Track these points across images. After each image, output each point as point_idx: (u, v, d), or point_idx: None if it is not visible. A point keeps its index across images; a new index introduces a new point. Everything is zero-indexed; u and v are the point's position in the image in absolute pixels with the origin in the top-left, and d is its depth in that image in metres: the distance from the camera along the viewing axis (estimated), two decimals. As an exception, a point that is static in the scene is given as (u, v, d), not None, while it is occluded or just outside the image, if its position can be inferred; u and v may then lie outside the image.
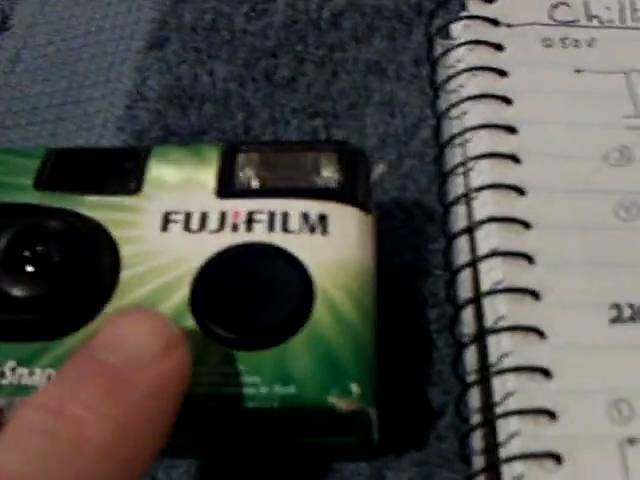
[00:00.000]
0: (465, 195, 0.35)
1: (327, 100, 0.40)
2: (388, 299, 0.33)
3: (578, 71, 0.38)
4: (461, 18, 0.40)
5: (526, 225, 0.34)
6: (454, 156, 0.37)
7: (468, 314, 0.33)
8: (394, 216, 0.37)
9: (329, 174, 0.32)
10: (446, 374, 0.33)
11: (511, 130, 0.37)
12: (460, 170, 0.36)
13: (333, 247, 0.30)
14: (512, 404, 0.31)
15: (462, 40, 0.40)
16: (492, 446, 0.31)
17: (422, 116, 0.40)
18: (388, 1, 0.43)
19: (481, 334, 0.32)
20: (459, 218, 0.36)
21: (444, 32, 0.40)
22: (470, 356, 0.33)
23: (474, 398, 0.32)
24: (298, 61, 0.41)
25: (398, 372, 0.33)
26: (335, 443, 0.30)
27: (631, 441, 0.30)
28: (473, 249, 0.34)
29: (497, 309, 0.32)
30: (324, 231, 0.31)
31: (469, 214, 0.35)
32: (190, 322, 0.28)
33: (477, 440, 0.31)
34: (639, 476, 0.30)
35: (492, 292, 0.33)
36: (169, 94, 0.41)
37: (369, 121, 0.39)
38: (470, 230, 0.35)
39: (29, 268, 0.29)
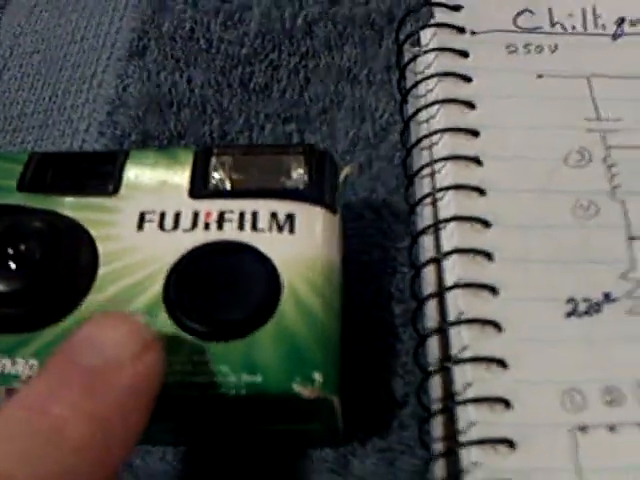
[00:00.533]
0: (430, 195, 0.37)
1: (300, 106, 0.42)
2: (356, 294, 0.35)
3: (540, 76, 0.40)
4: (428, 26, 0.42)
5: (486, 224, 0.36)
6: (421, 158, 0.39)
7: (431, 308, 0.35)
8: (363, 216, 0.39)
9: (297, 176, 0.34)
10: (410, 366, 0.35)
11: (474, 133, 0.38)
12: (426, 172, 0.38)
13: (299, 244, 0.33)
14: (470, 393, 0.33)
15: (429, 47, 0.41)
16: (451, 433, 0.33)
17: (391, 120, 0.42)
18: (360, 9, 0.45)
19: (442, 327, 0.34)
20: (424, 218, 0.38)
21: (413, 39, 0.42)
22: (432, 348, 0.35)
23: (435, 388, 0.34)
24: (272, 68, 0.43)
25: (364, 363, 0.36)
26: (300, 430, 0.32)
27: (582, 428, 0.32)
28: (438, 247, 0.36)
29: (458, 304, 0.35)
30: (291, 230, 0.33)
31: (434, 214, 0.37)
32: (163, 315, 0.31)
33: (437, 427, 0.33)
34: (589, 461, 0.31)
35: (453, 287, 0.35)
36: (148, 100, 0.43)
37: (340, 125, 0.42)
38: (434, 229, 0.37)
39: (12, 265, 0.31)
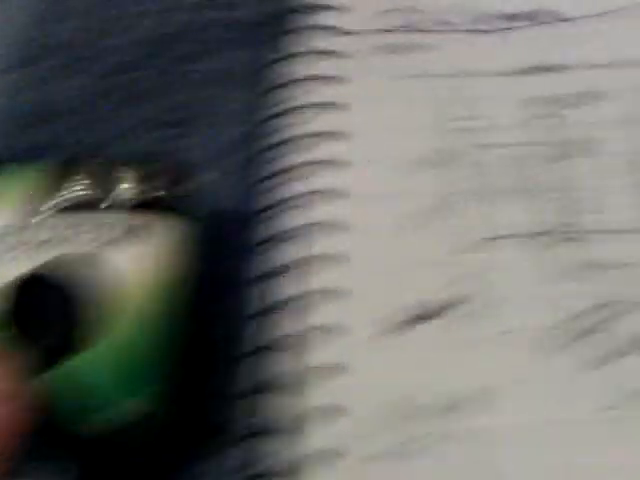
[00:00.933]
0: (286, 202, 0.38)
1: (175, 111, 0.43)
2: (204, 308, 0.36)
3: (412, 77, 0.41)
4: (297, 29, 0.42)
5: (343, 229, 0.37)
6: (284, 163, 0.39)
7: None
8: (214, 225, 0.40)
9: (150, 187, 0.35)
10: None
11: (339, 137, 0.39)
12: (287, 177, 0.39)
13: (150, 256, 0.33)
14: (310, 402, 0.34)
15: (297, 50, 0.42)
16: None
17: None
18: (236, 14, 0.45)
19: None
20: (282, 224, 0.38)
21: (282, 43, 0.42)
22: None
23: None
24: (148, 75, 0.44)
25: (198, 381, 0.36)
26: (132, 443, 0.33)
27: (413, 437, 0.33)
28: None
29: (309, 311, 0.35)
30: (144, 240, 0.33)
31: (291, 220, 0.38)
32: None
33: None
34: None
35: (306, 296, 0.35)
36: (36, 110, 0.44)
37: (208, 132, 0.42)
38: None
39: None
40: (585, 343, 0.34)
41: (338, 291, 0.35)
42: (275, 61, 0.42)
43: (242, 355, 0.35)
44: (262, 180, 0.39)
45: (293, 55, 0.42)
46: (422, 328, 0.35)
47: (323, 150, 0.39)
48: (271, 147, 0.40)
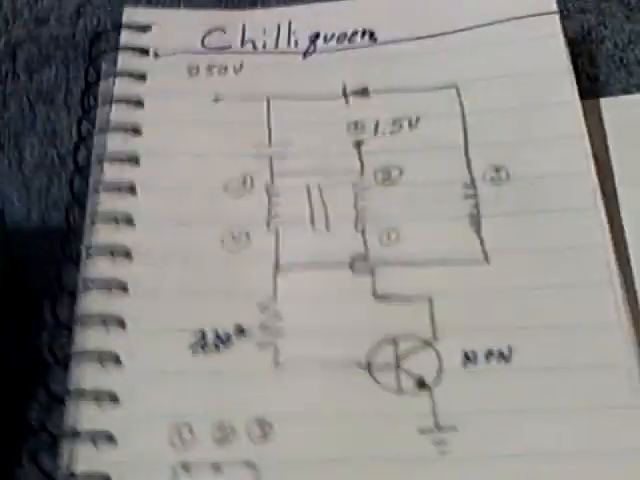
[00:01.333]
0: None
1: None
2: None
3: (217, 100, 0.40)
4: (112, 50, 0.41)
5: (128, 256, 0.35)
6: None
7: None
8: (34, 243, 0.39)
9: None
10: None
11: (135, 161, 0.38)
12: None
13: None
14: (79, 428, 0.32)
15: (112, 70, 0.41)
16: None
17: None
18: (65, 30, 0.45)
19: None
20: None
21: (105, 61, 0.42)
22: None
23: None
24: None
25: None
26: None
27: (185, 467, 0.31)
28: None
29: (84, 337, 0.34)
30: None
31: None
32: None
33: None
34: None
35: (82, 320, 0.34)
36: None
37: (30, 149, 0.41)
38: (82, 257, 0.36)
39: None
40: (378, 377, 0.34)
41: (117, 317, 0.34)
42: (88, 81, 0.42)
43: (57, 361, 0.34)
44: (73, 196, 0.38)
45: (106, 76, 0.41)
46: (203, 357, 0.34)
47: (116, 174, 0.38)
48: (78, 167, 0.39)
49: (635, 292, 0.35)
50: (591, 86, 0.44)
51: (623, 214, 0.37)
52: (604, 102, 0.42)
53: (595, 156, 0.38)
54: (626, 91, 0.43)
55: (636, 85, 0.44)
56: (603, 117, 0.41)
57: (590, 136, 0.39)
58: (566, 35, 0.43)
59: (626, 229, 0.37)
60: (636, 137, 0.40)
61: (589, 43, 0.46)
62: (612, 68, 0.45)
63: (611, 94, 0.43)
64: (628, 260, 0.36)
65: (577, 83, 0.42)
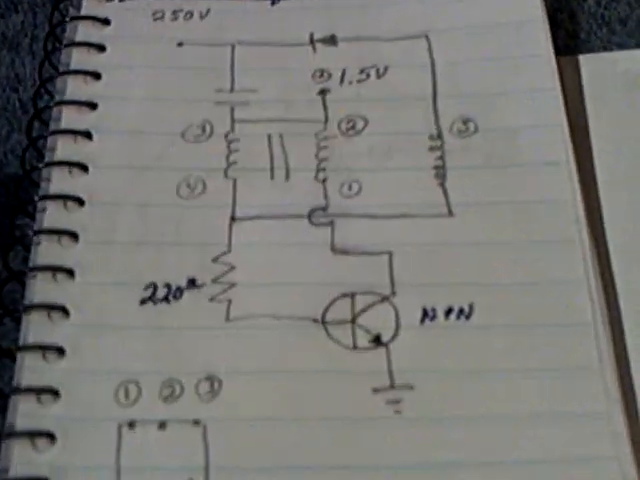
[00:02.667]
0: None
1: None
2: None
3: (180, 44, 0.38)
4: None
5: (80, 202, 0.33)
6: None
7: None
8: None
9: None
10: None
11: (92, 106, 0.35)
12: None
13: None
14: (23, 382, 0.31)
15: (74, 15, 0.39)
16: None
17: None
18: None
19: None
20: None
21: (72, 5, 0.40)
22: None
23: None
24: None
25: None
26: None
27: (130, 424, 0.29)
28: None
29: (33, 289, 0.32)
30: None
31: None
32: None
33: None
34: (129, 459, 0.29)
35: (31, 270, 0.33)
36: None
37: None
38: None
39: None
40: (333, 333, 0.32)
41: (67, 267, 0.33)
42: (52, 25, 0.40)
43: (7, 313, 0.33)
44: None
45: (71, 20, 0.39)
46: (153, 311, 0.32)
47: (71, 119, 0.36)
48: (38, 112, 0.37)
49: (607, 250, 0.33)
50: (571, 43, 0.42)
51: (597, 170, 0.36)
52: (582, 59, 0.40)
53: (571, 114, 0.37)
54: (607, 49, 0.41)
55: (617, 44, 0.42)
56: (581, 74, 0.39)
57: (566, 93, 0.37)
58: None
59: (599, 185, 0.35)
60: (613, 95, 0.38)
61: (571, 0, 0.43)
62: (593, 25, 0.42)
63: (591, 52, 0.41)
64: (601, 218, 0.34)
65: (556, 39, 0.40)
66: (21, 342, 0.31)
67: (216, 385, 0.30)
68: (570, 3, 0.43)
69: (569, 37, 0.42)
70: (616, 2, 0.43)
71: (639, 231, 0.34)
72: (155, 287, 0.32)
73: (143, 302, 0.32)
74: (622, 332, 0.32)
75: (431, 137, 0.35)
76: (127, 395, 0.30)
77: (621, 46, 0.41)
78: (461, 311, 0.32)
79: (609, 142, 0.37)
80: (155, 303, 0.32)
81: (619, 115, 0.37)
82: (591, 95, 0.38)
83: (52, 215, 0.34)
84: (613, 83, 0.39)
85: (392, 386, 0.30)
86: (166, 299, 0.32)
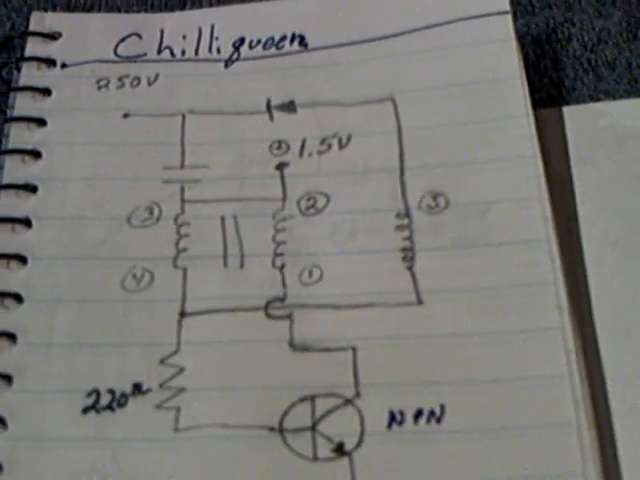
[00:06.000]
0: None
1: None
2: None
3: (127, 115, 0.36)
4: (20, 60, 0.38)
5: (18, 299, 0.32)
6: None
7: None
8: None
9: None
10: None
11: (32, 189, 0.34)
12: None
13: None
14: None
15: (15, 85, 0.38)
16: None
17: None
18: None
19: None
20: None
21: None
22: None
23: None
24: None
25: None
26: None
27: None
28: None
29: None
30: None
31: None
32: None
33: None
34: None
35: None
36: None
37: None
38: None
39: None
40: (291, 443, 0.30)
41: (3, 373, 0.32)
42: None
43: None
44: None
45: (11, 90, 0.38)
46: (96, 421, 0.31)
47: (9, 205, 0.35)
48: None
49: (596, 339, 0.32)
50: (555, 92, 0.40)
51: (584, 244, 0.34)
52: (566, 111, 0.38)
53: (555, 174, 0.35)
54: (593, 97, 0.40)
55: (605, 91, 0.40)
56: (565, 128, 0.37)
57: (549, 152, 0.36)
58: (529, 34, 0.41)
59: (586, 262, 0.34)
60: (600, 151, 0.37)
61: (555, 43, 0.42)
62: (579, 71, 0.41)
63: (577, 101, 0.40)
64: (589, 301, 0.33)
65: (539, 89, 0.39)
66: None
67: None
68: (553, 47, 0.42)
69: (553, 86, 0.41)
70: (603, 44, 0.42)
71: (630, 314, 0.33)
72: (98, 394, 0.31)
73: (85, 411, 0.31)
74: (612, 431, 0.30)
75: (398, 215, 0.34)
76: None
77: (609, 93, 0.40)
78: (432, 413, 0.30)
79: (597, 208, 0.35)
80: (98, 412, 0.31)
81: (606, 176, 0.36)
82: (576, 153, 0.37)
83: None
84: (599, 138, 0.37)
85: (356, 501, 0.28)
86: (110, 407, 0.30)
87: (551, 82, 0.40)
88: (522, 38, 0.41)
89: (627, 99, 0.39)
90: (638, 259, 0.34)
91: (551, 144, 0.37)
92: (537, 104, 0.38)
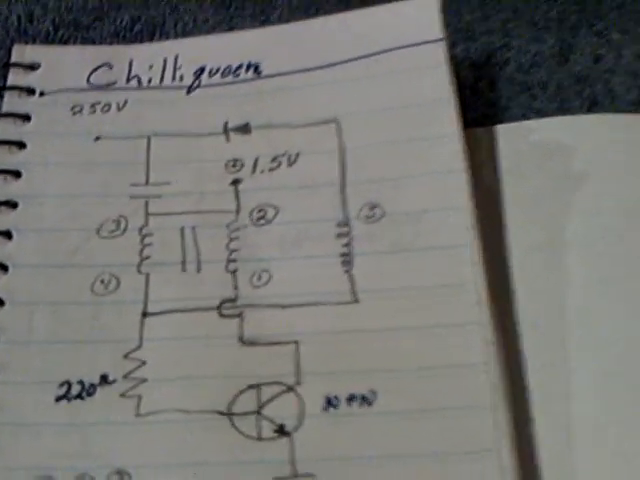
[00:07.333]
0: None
1: None
2: None
3: (98, 138, 0.41)
4: (2, 89, 0.43)
5: (1, 303, 0.37)
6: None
7: None
8: None
9: None
10: None
11: (13, 205, 0.39)
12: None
13: None
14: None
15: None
16: None
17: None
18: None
19: None
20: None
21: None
22: None
23: None
24: None
25: None
26: None
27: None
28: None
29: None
30: None
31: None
32: None
33: None
34: None
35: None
36: None
37: None
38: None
39: None
40: (238, 425, 0.35)
41: None
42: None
43: None
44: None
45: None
46: (67, 408, 0.36)
47: None
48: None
49: (515, 332, 0.36)
50: (490, 111, 0.45)
51: (511, 245, 0.39)
52: (500, 129, 0.43)
53: (486, 186, 0.40)
54: (527, 116, 0.44)
55: (538, 110, 0.44)
56: (498, 145, 0.42)
57: (482, 166, 0.40)
58: (469, 58, 0.45)
59: (512, 260, 0.39)
60: (529, 164, 0.41)
61: (492, 66, 0.46)
62: (513, 92, 0.45)
63: (511, 119, 0.44)
64: (511, 297, 0.37)
65: (476, 109, 0.44)
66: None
67: (126, 479, 0.33)
68: (490, 71, 0.46)
69: (489, 106, 0.45)
70: (537, 67, 0.46)
71: (549, 308, 0.37)
72: (69, 385, 0.35)
73: (58, 400, 0.35)
74: (528, 414, 0.35)
75: (339, 224, 0.38)
76: (42, 487, 0.33)
77: (541, 112, 0.44)
78: (363, 398, 0.34)
79: (523, 216, 0.40)
80: (69, 400, 0.35)
81: (534, 187, 0.40)
82: (506, 167, 0.41)
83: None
84: (528, 153, 0.41)
85: (294, 475, 0.33)
86: (80, 396, 0.35)
87: (487, 102, 0.45)
88: (462, 62, 0.46)
89: (555, 117, 0.43)
90: (558, 261, 0.38)
91: (484, 159, 0.41)
92: (474, 123, 0.43)
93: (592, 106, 0.45)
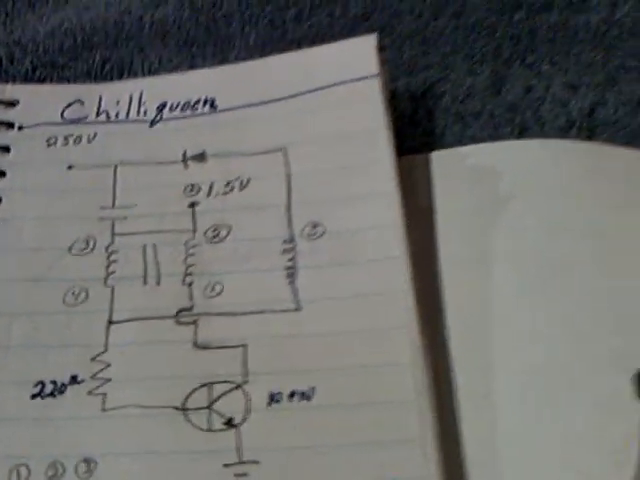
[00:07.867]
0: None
1: None
2: None
3: (70, 167, 0.46)
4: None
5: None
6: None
7: None
8: None
9: None
10: None
11: (-7, 226, 0.43)
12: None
13: None
14: None
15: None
16: None
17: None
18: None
19: None
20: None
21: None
22: None
23: None
24: None
25: None
26: None
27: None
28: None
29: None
30: None
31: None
32: None
33: None
34: None
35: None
36: None
37: None
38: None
39: None
40: (191, 418, 0.39)
41: None
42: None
43: None
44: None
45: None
46: (41, 405, 0.40)
47: None
48: None
49: (444, 336, 0.41)
50: (428, 140, 0.49)
51: (444, 262, 0.43)
52: (435, 155, 0.47)
53: (420, 207, 0.44)
54: (461, 142, 0.48)
55: (471, 136, 0.48)
56: (433, 169, 0.46)
57: (417, 189, 0.45)
58: (408, 91, 0.49)
59: (443, 272, 0.43)
60: (461, 187, 0.45)
61: (430, 98, 0.50)
62: (449, 121, 0.49)
63: (446, 146, 0.48)
64: (441, 304, 0.42)
65: (413, 137, 0.48)
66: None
67: (92, 465, 0.38)
68: (428, 102, 0.50)
69: (426, 134, 0.49)
70: (471, 97, 0.50)
71: (476, 315, 0.41)
72: (43, 384, 0.40)
73: (33, 397, 0.39)
74: (453, 409, 0.39)
75: (285, 241, 0.43)
76: (19, 476, 0.37)
77: (474, 139, 0.48)
78: (303, 394, 0.39)
79: (454, 234, 0.44)
80: (43, 398, 0.39)
81: (465, 207, 0.45)
82: (440, 189, 0.45)
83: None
84: (461, 176, 0.46)
85: (241, 462, 0.38)
86: (52, 394, 0.39)
87: (425, 131, 0.49)
88: (402, 95, 0.50)
89: (486, 143, 0.48)
90: (485, 273, 0.43)
91: (420, 183, 0.46)
92: (412, 150, 0.47)
93: (522, 132, 0.48)
